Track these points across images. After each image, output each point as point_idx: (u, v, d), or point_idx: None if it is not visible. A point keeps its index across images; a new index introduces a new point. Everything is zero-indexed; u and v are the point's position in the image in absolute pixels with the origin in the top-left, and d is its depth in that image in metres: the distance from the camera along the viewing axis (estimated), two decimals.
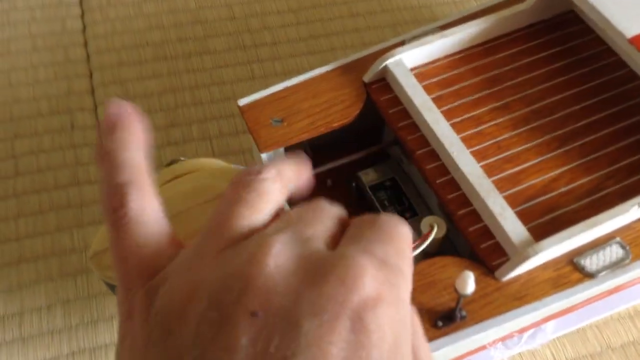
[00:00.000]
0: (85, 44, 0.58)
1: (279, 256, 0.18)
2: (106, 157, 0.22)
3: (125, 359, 0.19)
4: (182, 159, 0.31)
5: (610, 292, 0.35)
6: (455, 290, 0.25)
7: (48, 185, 0.49)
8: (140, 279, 0.20)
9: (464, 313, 0.28)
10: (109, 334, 0.42)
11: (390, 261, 0.19)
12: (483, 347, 0.35)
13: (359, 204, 0.38)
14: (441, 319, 0.28)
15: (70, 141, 0.52)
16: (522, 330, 0.34)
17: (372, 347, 0.17)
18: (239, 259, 0.19)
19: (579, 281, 0.30)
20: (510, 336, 0.35)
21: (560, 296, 0.29)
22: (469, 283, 0.24)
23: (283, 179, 0.23)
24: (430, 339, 0.28)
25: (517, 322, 0.30)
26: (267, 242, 0.19)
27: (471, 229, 0.31)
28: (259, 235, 0.20)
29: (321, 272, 0.18)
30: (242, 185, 0.21)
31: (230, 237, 0.20)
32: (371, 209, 0.37)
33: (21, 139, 0.51)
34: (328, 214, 0.22)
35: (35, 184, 0.49)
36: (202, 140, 0.52)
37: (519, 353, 0.43)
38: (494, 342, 0.35)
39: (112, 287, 0.29)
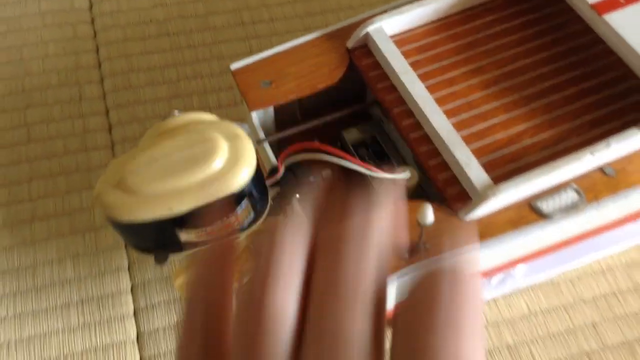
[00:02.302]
0: (92, 21, 0.62)
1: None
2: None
3: None
4: (176, 112, 0.34)
5: (577, 239, 0.38)
6: (417, 223, 0.28)
7: (58, 152, 0.53)
8: None
9: (428, 246, 0.31)
10: (115, 284, 0.46)
11: None
12: None
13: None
14: (407, 252, 0.31)
15: (79, 111, 0.55)
16: (490, 273, 0.37)
17: None
18: None
19: (535, 221, 0.33)
20: None
21: (517, 234, 0.32)
22: (428, 214, 0.27)
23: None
24: (397, 269, 0.31)
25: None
26: None
27: (440, 177, 0.34)
28: None
29: None
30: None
31: None
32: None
33: (32, 109, 0.55)
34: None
35: (46, 150, 0.53)
36: (202, 111, 0.56)
37: (495, 302, 0.46)
38: None
39: (115, 226, 0.32)
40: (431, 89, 0.38)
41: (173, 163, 0.30)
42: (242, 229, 0.33)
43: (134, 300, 0.46)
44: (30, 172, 0.52)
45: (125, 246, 0.48)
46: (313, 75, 0.39)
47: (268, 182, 0.35)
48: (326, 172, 0.40)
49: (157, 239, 0.32)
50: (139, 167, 0.30)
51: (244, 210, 0.32)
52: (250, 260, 0.18)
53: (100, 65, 0.58)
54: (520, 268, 0.41)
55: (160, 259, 0.33)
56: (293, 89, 0.38)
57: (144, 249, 0.33)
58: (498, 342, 0.45)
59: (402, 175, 0.35)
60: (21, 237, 0.48)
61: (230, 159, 0.31)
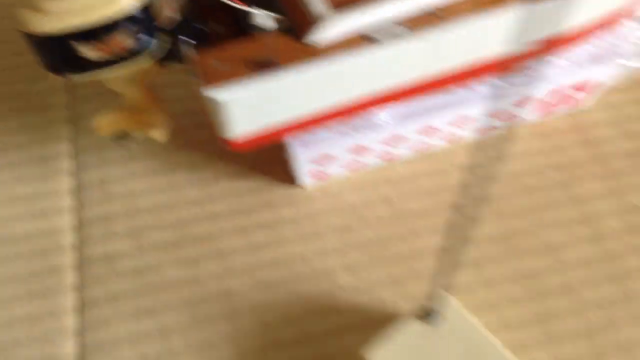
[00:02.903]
0: None
1: None
2: None
3: None
4: None
5: (432, 86, 0.45)
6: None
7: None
8: None
9: (276, 60, 0.39)
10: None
11: None
12: (317, 122, 0.45)
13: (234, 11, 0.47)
14: (258, 65, 0.39)
15: None
16: (349, 112, 0.45)
17: None
18: None
19: (364, 44, 0.40)
20: (339, 116, 0.45)
21: (349, 54, 0.40)
22: (254, 16, 0.35)
23: None
24: (249, 78, 0.39)
25: (317, 76, 0.40)
26: None
27: (296, 16, 0.41)
28: None
29: None
30: None
31: None
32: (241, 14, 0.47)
33: None
34: None
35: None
36: None
37: (379, 169, 0.53)
38: (325, 117, 0.45)
39: (30, 41, 0.40)
40: None
41: None
42: (131, 54, 0.41)
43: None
44: None
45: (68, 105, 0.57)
46: None
47: (165, 25, 0.42)
48: (219, 28, 0.48)
49: (63, 55, 0.40)
50: None
51: (130, 32, 0.40)
52: None
53: None
54: (384, 115, 0.48)
55: (68, 75, 0.41)
56: None
57: (54, 67, 0.42)
58: (376, 196, 0.52)
59: (276, 15, 0.42)
60: None
61: None
